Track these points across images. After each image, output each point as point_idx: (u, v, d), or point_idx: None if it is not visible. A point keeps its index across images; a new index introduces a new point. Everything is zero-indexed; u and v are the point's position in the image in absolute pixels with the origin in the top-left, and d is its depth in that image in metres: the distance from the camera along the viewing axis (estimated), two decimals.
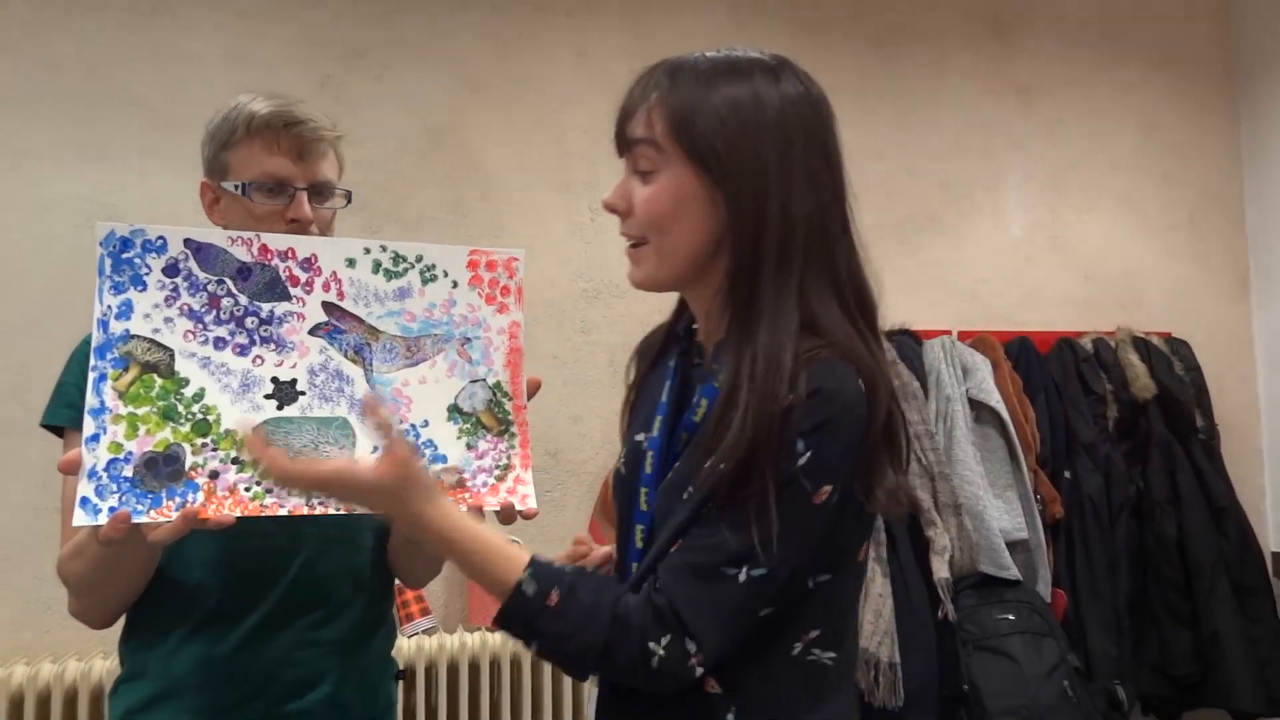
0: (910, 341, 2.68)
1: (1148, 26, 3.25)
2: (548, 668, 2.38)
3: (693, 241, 0.95)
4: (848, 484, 0.89)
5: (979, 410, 2.62)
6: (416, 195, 2.53)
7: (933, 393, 2.61)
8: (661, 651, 0.87)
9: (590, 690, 2.42)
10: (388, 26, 2.54)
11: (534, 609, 0.89)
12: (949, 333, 2.76)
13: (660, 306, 3.25)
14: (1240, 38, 3.31)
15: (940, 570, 2.30)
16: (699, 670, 0.88)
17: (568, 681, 2.39)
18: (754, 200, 0.91)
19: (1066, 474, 2.76)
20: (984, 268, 3.06)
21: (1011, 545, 2.47)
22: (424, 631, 2.35)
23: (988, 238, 3.08)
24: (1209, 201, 3.26)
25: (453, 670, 2.31)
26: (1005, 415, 2.62)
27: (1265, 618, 2.83)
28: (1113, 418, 2.85)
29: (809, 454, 0.85)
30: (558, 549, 2.95)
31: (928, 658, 2.23)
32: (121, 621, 1.20)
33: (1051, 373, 2.85)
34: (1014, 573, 2.43)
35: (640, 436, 1.04)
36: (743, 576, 0.87)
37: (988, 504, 2.48)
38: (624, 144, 0.99)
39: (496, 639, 2.35)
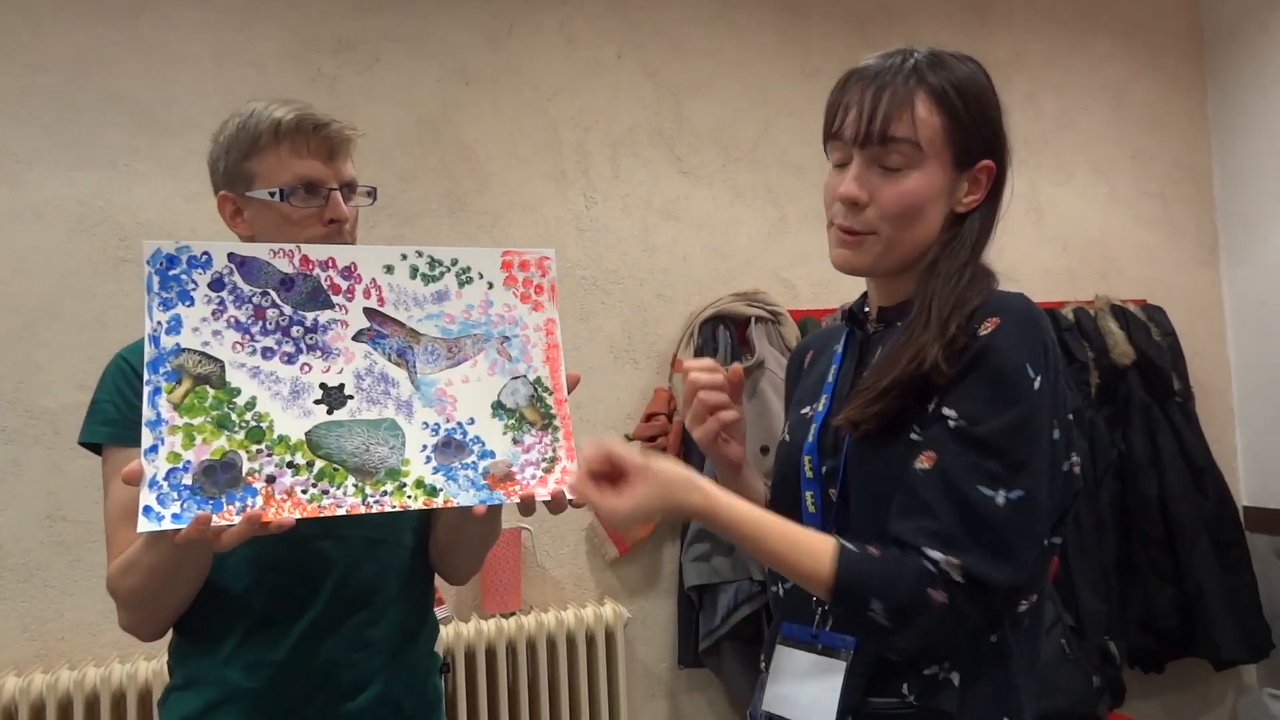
0: None
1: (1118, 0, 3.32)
2: (564, 651, 2.42)
3: (926, 234, 1.03)
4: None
5: None
6: (411, 188, 2.53)
7: None
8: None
9: (595, 673, 2.46)
10: (377, 19, 2.53)
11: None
12: None
13: (660, 290, 3.28)
14: (1207, 11, 3.38)
15: None
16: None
17: (583, 664, 2.43)
18: (999, 177, 1.06)
19: None
20: None
21: None
22: (439, 621, 2.38)
23: None
24: (1179, 171, 3.34)
25: (469, 657, 2.35)
26: None
27: (1243, 570, 2.95)
28: (1094, 384, 2.94)
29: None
30: (566, 531, 2.95)
31: None
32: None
33: None
34: None
35: (806, 409, 1.12)
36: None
37: None
38: (873, 138, 1.01)
39: (511, 625, 2.39)
